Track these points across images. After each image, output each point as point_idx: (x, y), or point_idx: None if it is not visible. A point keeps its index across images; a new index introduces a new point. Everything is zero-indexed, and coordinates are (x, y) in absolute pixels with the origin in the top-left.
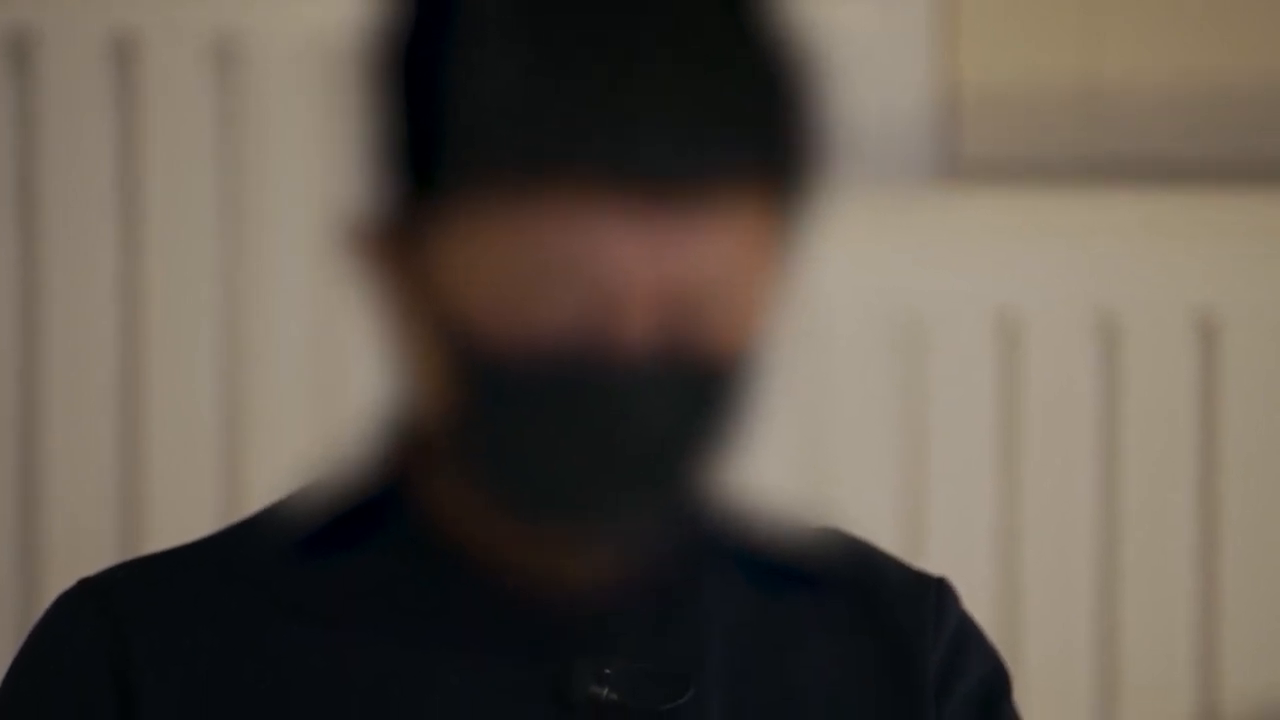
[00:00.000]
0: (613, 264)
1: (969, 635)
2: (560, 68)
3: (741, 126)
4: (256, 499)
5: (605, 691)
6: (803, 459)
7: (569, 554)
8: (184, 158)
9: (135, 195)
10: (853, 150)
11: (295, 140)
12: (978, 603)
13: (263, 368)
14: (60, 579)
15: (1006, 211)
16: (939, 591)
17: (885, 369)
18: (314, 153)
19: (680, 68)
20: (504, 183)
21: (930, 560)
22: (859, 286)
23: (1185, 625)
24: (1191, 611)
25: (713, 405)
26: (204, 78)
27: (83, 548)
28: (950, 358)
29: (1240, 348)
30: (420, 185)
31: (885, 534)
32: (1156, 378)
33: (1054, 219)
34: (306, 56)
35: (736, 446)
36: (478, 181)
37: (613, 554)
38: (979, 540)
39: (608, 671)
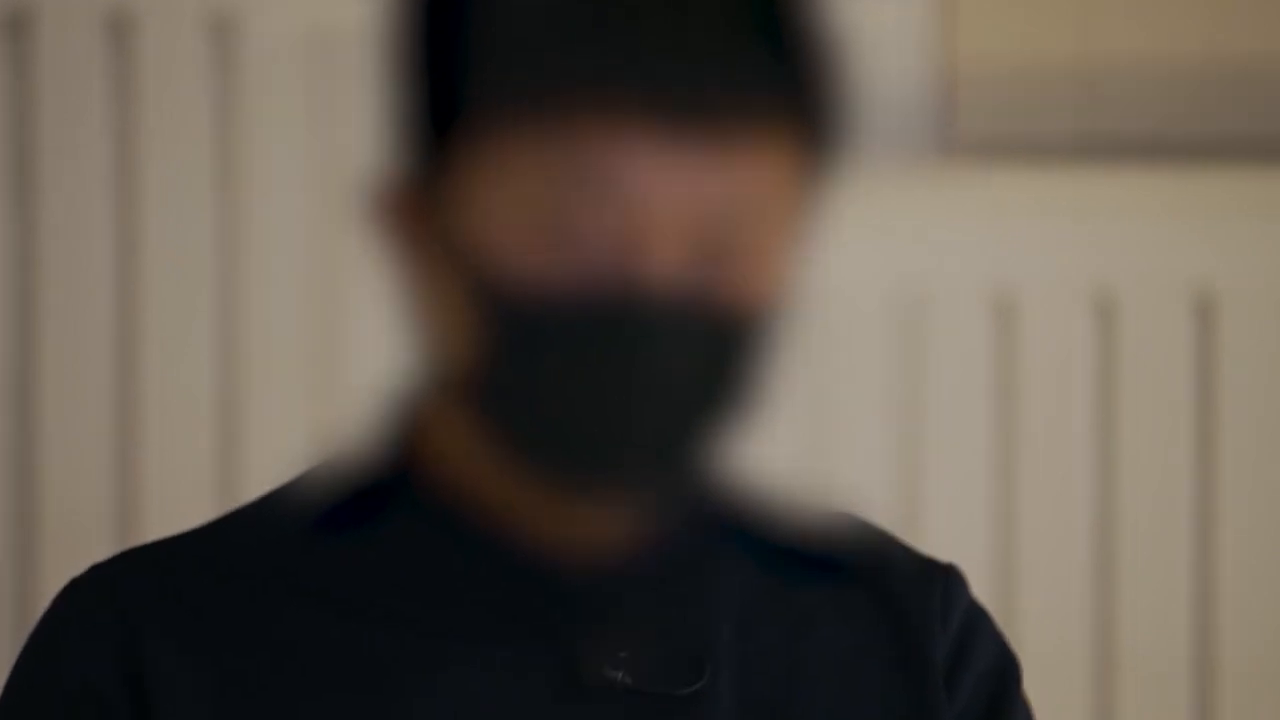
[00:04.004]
0: (646, 186)
1: (977, 624)
2: None
3: (775, 62)
4: (252, 479)
5: (620, 674)
6: (798, 435)
7: (584, 515)
8: (180, 135)
9: (131, 173)
10: (855, 149)
11: (292, 118)
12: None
13: (259, 348)
14: (56, 564)
15: (1003, 189)
16: (948, 580)
17: (882, 346)
18: (310, 130)
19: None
20: (538, 106)
21: (926, 538)
22: (855, 264)
23: (1183, 603)
24: (1189, 589)
25: (733, 357)
26: (200, 55)
27: (79, 529)
28: (947, 335)
29: (1237, 325)
30: (443, 135)
31: (881, 510)
32: (1153, 355)
33: (1051, 197)
34: (303, 33)
35: (751, 413)
36: (512, 107)
37: (626, 513)
38: (975, 517)
39: (622, 655)
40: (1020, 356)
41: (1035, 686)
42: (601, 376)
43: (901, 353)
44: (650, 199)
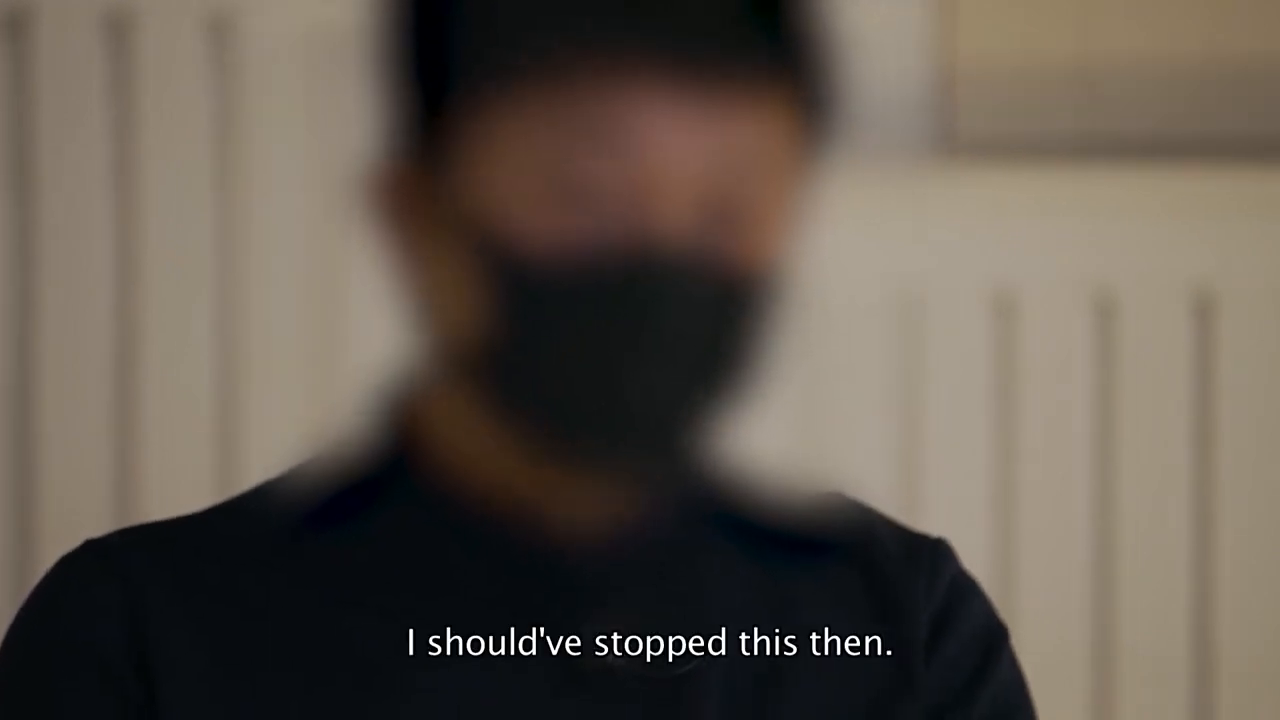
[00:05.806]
0: (654, 139)
1: (964, 592)
2: None
3: (772, 25)
4: (252, 478)
5: (613, 657)
6: (799, 434)
7: (584, 493)
8: (180, 135)
9: (131, 173)
10: (850, 126)
11: (292, 118)
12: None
13: (259, 347)
14: (55, 556)
15: (1003, 188)
16: (934, 550)
17: (881, 345)
18: (310, 130)
19: None
20: (545, 64)
21: None
22: (855, 263)
23: (1183, 603)
24: (1189, 589)
25: (739, 320)
26: (200, 55)
27: (79, 529)
28: (946, 334)
29: (1236, 324)
30: (441, 106)
31: (882, 509)
32: (1152, 354)
33: (1050, 196)
34: (303, 33)
35: (753, 384)
36: (519, 67)
37: (626, 489)
38: (975, 517)
39: (616, 637)
40: (1020, 356)
41: (1035, 686)
42: (612, 336)
43: (901, 352)
44: (658, 151)
